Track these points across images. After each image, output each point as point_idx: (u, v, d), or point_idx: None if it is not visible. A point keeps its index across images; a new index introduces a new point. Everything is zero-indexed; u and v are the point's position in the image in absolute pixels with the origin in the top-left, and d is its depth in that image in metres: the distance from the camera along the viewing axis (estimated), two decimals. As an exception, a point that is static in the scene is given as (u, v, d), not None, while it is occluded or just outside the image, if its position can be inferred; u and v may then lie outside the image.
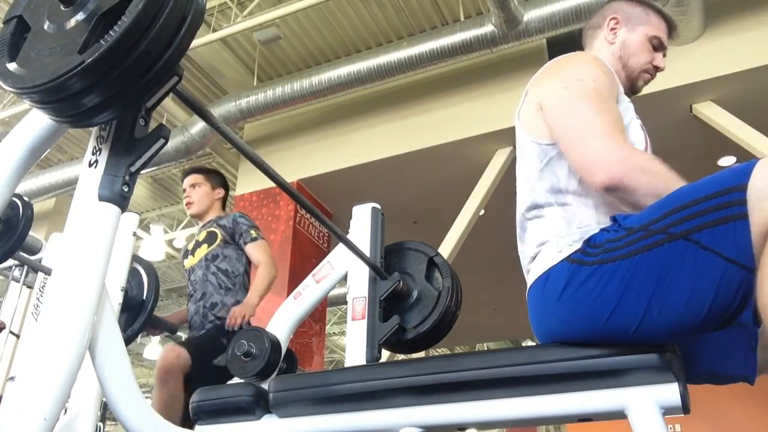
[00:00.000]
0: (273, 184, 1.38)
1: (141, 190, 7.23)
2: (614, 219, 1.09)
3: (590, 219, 1.15)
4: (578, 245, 1.09)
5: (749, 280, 0.90)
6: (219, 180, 2.93)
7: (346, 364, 1.54)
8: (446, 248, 4.38)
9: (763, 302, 0.86)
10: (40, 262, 2.63)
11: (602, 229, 1.09)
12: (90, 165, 0.90)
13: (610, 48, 1.40)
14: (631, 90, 1.41)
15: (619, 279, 1.00)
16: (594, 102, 1.16)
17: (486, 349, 10.13)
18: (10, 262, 2.69)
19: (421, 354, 2.13)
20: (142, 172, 0.93)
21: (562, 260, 1.10)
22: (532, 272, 1.18)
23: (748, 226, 0.90)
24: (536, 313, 1.16)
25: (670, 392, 0.99)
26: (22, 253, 2.43)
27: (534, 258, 1.18)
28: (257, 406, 1.33)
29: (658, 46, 1.40)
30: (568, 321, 1.07)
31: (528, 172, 1.25)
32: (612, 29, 1.41)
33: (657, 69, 1.40)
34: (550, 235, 1.16)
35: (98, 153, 0.90)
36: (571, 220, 1.15)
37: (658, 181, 1.07)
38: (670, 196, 1.03)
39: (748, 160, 0.97)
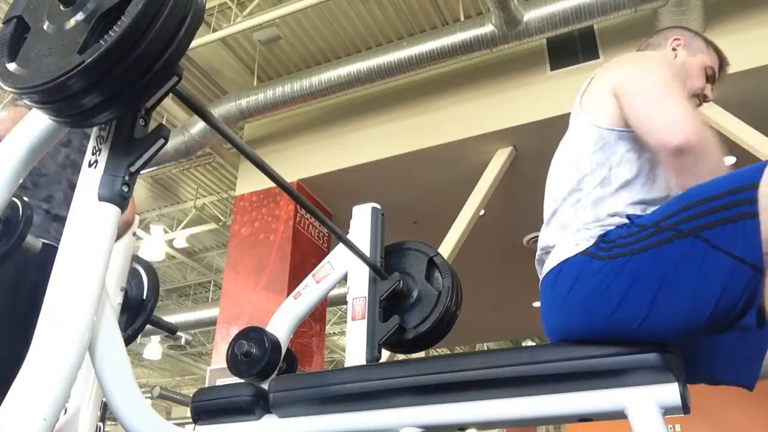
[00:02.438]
0: (273, 184, 1.38)
1: (141, 190, 7.23)
2: (628, 217, 1.10)
3: (620, 207, 1.15)
4: (594, 240, 1.10)
5: (756, 280, 0.90)
6: None
7: (346, 364, 1.54)
8: (446, 248, 4.37)
9: None
10: (40, 262, 2.62)
11: (617, 226, 1.10)
12: (90, 165, 0.90)
13: None
14: None
15: (627, 274, 1.01)
16: (673, 78, 1.19)
17: (486, 349, 10.14)
18: (10, 262, 2.68)
19: (421, 354, 2.13)
20: (142, 172, 0.93)
21: (578, 253, 1.10)
22: (548, 262, 1.18)
23: (758, 225, 0.90)
24: (546, 305, 1.17)
25: (670, 392, 0.99)
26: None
27: (553, 247, 1.19)
28: (257, 406, 1.33)
29: (710, 77, 1.43)
30: (574, 313, 1.08)
31: (579, 152, 1.24)
32: (674, 48, 1.43)
33: (705, 99, 1.43)
34: (575, 224, 1.16)
35: (98, 153, 0.90)
36: (601, 207, 1.15)
37: (720, 152, 1.08)
38: (682, 194, 1.04)
39: (748, 160, 0.98)
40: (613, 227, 1.11)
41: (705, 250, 0.94)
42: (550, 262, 1.17)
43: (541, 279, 1.21)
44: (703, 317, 0.95)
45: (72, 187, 1.93)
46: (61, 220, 1.86)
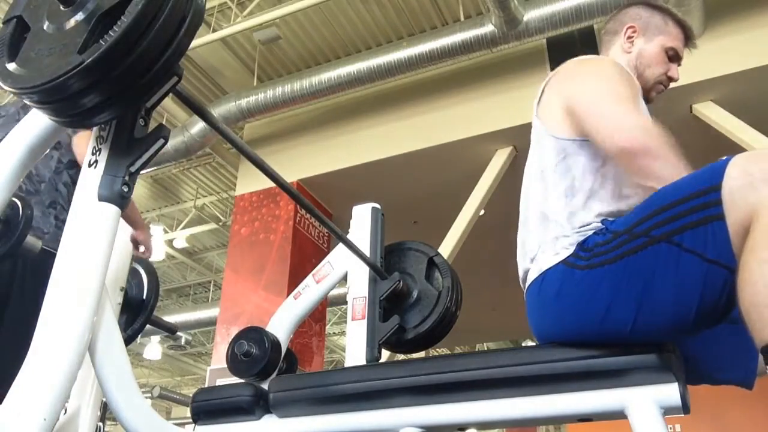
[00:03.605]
0: (273, 184, 1.38)
1: (141, 190, 7.23)
2: (603, 222, 1.10)
3: (593, 218, 1.15)
4: (573, 248, 1.10)
5: (732, 279, 0.90)
6: None
7: (346, 364, 1.54)
8: (446, 248, 4.37)
9: (744, 305, 0.86)
10: (40, 262, 2.62)
11: (594, 233, 1.10)
12: (90, 165, 0.90)
13: (626, 57, 1.38)
14: (644, 100, 1.41)
15: (609, 283, 1.02)
16: (617, 82, 1.18)
17: (486, 349, 10.14)
18: (10, 262, 2.68)
19: (421, 354, 2.13)
20: (141, 172, 0.93)
21: (558, 263, 1.11)
22: (530, 273, 1.18)
23: (726, 226, 0.91)
24: (533, 314, 1.17)
25: (670, 392, 0.99)
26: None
27: (533, 259, 1.19)
28: (257, 406, 1.33)
29: (673, 57, 1.39)
30: (564, 323, 1.08)
31: (543, 165, 1.24)
32: (629, 38, 1.39)
33: (671, 80, 1.40)
34: (551, 235, 1.16)
35: (98, 153, 0.90)
36: (575, 219, 1.16)
37: (674, 152, 1.07)
38: (651, 197, 1.05)
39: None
40: (590, 233, 1.11)
41: (678, 255, 0.95)
42: (532, 273, 1.17)
43: (525, 287, 1.21)
44: (689, 318, 0.96)
45: (68, 187, 1.94)
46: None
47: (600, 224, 1.12)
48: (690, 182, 0.98)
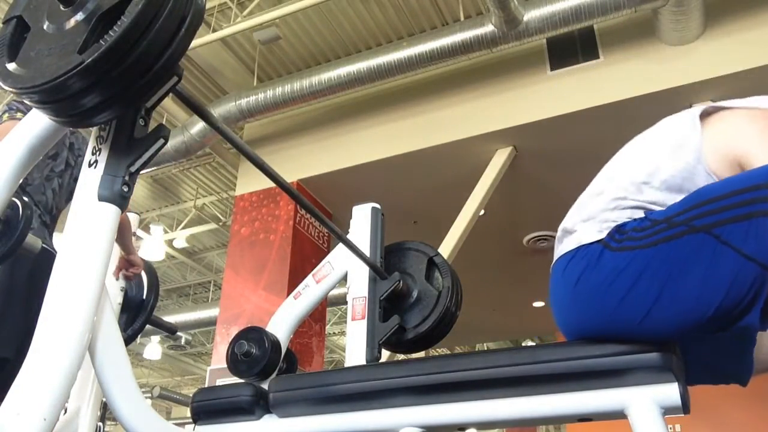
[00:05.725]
0: (273, 184, 1.38)
1: (141, 190, 7.23)
2: (644, 212, 1.09)
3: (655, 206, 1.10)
4: (610, 230, 1.09)
5: (763, 278, 0.90)
6: None
7: (346, 364, 1.54)
8: (446, 248, 4.37)
9: None
10: (40, 262, 2.61)
11: (633, 219, 1.09)
12: (90, 165, 0.90)
13: None
14: None
15: (635, 267, 1.01)
16: None
17: (486, 349, 10.14)
18: (10, 262, 2.68)
19: (421, 354, 2.13)
20: (141, 172, 0.93)
21: (594, 241, 1.09)
22: (566, 242, 1.15)
23: None
24: (556, 292, 1.15)
25: (670, 392, 0.99)
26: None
27: (584, 221, 1.14)
28: (257, 406, 1.33)
29: None
30: (583, 307, 1.07)
31: (658, 162, 1.14)
32: None
33: None
34: (600, 217, 1.12)
35: (98, 153, 0.90)
36: (639, 206, 1.12)
37: None
38: (696, 191, 1.03)
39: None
40: (630, 219, 1.10)
41: (714, 246, 0.94)
42: (568, 244, 1.14)
43: (553, 261, 1.18)
44: (707, 314, 0.95)
45: (54, 194, 2.00)
46: (47, 225, 1.92)
47: (641, 213, 1.10)
48: (741, 178, 0.98)
